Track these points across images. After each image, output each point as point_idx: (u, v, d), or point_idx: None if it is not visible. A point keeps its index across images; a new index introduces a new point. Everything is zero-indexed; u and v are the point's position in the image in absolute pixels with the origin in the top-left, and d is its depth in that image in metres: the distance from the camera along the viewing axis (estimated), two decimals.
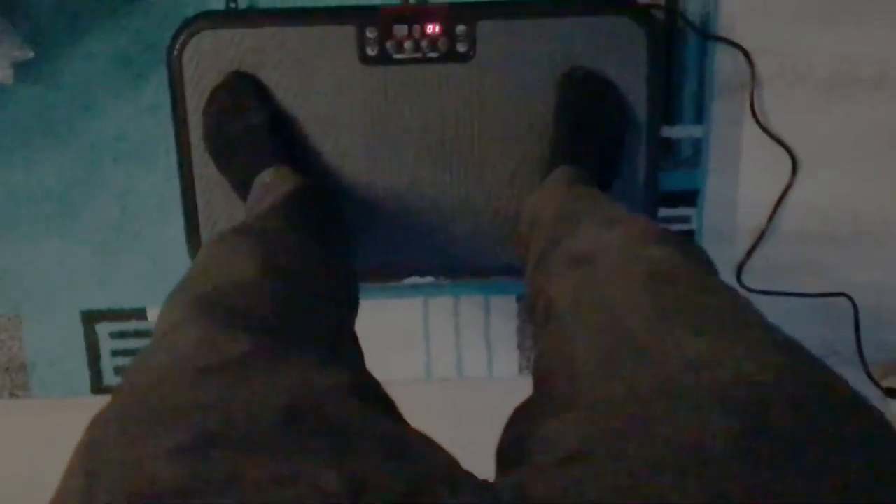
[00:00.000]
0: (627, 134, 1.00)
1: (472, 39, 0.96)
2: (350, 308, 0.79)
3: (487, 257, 1.04)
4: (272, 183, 0.89)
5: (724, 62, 1.08)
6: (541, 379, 0.59)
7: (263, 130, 0.95)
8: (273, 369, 0.47)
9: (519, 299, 1.16)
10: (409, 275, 1.05)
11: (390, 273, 1.04)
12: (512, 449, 0.55)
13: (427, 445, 0.46)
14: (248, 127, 0.95)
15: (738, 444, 0.37)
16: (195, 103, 0.97)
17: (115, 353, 1.16)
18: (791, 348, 0.44)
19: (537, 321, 0.68)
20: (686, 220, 1.13)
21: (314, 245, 0.76)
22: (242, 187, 0.96)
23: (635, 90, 1.00)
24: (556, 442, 0.44)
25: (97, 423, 0.43)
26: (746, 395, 0.39)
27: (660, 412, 0.41)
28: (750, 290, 1.14)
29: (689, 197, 1.12)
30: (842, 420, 0.38)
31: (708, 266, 0.59)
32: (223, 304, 0.55)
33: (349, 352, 0.64)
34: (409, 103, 0.97)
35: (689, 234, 1.13)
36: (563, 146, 0.97)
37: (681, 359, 0.43)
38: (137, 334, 1.15)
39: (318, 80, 0.96)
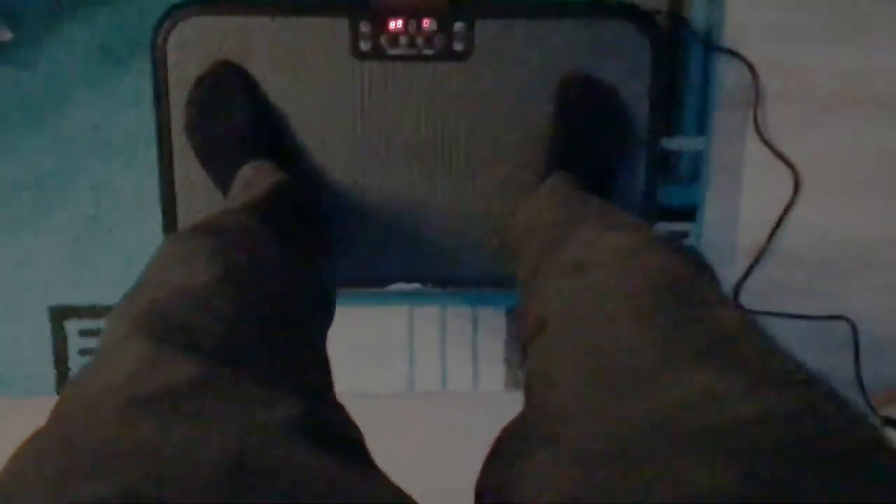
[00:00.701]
0: (627, 143, 0.97)
1: (470, 38, 0.92)
2: (322, 319, 0.73)
3: (477, 266, 1.00)
4: (252, 177, 0.85)
5: (727, 75, 1.05)
6: (528, 400, 0.54)
7: (248, 124, 0.91)
8: (219, 402, 0.40)
9: (508, 312, 1.12)
10: (395, 281, 1.00)
11: (375, 278, 1.00)
12: (491, 491, 0.50)
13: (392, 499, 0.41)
14: (233, 120, 0.91)
15: (738, 495, 0.32)
16: (178, 93, 0.93)
17: (83, 353, 1.11)
18: (802, 381, 0.39)
19: (527, 334, 0.64)
20: (684, 236, 1.09)
21: (287, 248, 0.70)
22: (224, 182, 0.91)
23: (637, 98, 0.96)
24: (538, 490, 0.39)
25: (18, 457, 0.37)
26: (751, 440, 0.34)
27: (655, 458, 0.36)
28: (747, 311, 1.10)
29: (688, 212, 1.08)
30: (861, 478, 0.33)
31: (711, 277, 0.55)
32: (171, 319, 0.48)
33: (312, 375, 0.58)
34: (402, 101, 0.93)
35: None
36: (560, 152, 0.93)
37: (680, 394, 0.38)
38: None
39: (307, 73, 0.92)
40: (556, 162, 0.93)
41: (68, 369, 1.12)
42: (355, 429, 0.50)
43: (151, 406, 0.39)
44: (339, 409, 0.51)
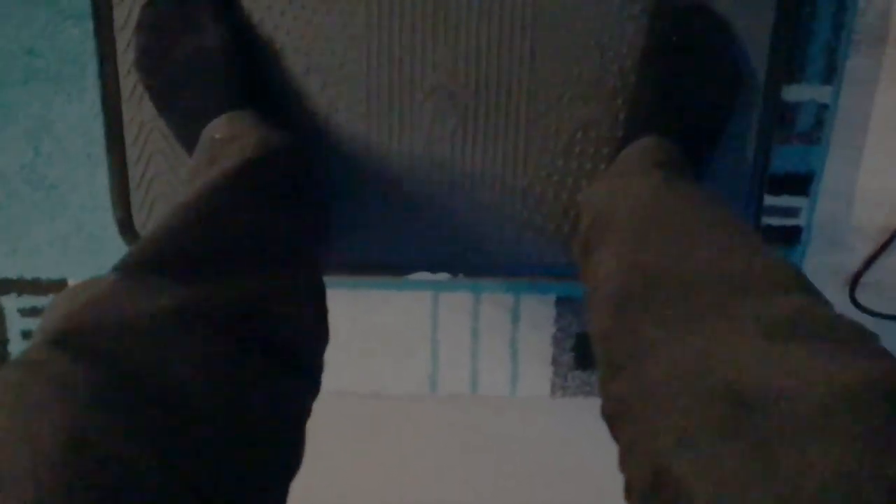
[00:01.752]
0: (738, 95, 0.71)
1: None
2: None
3: (524, 253, 0.76)
4: (222, 142, 0.60)
5: (868, 6, 0.78)
6: None
7: (221, 58, 0.67)
8: None
9: (558, 303, 0.88)
10: (417, 269, 0.77)
11: (391, 268, 0.76)
12: None
13: None
14: (200, 52, 0.67)
15: None
16: (126, 12, 0.68)
17: (25, 335, 0.90)
18: None
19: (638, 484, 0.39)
20: (793, 213, 0.84)
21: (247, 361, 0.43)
22: (189, 138, 0.67)
23: (756, 34, 0.71)
24: None
25: None
26: None
27: None
28: (864, 311, 0.87)
29: (800, 182, 0.83)
30: None
31: None
32: None
33: None
34: (432, 31, 0.68)
35: (795, 232, 0.85)
36: (650, 107, 0.68)
37: None
38: None
39: None
40: (643, 119, 0.68)
41: (8, 353, 0.90)
42: None
43: None
44: None
